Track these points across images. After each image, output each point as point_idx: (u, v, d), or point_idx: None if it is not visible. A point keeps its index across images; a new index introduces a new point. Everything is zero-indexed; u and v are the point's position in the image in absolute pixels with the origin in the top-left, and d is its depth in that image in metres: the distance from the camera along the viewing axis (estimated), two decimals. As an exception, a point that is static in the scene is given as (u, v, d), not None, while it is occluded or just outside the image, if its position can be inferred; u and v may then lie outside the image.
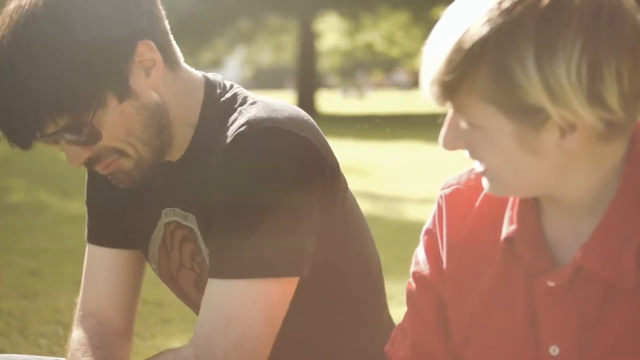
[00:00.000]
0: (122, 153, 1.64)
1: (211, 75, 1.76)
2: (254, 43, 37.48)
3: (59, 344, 3.56)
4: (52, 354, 3.39)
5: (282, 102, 1.69)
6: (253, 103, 1.67)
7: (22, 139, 1.57)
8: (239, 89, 1.74)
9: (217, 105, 1.69)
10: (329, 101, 35.36)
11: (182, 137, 1.68)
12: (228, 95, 1.71)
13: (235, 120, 1.64)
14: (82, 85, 1.55)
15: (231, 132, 1.61)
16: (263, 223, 1.56)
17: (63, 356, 1.86)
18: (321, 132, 1.70)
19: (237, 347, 1.55)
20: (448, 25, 1.23)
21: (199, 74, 1.75)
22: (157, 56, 1.61)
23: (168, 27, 1.68)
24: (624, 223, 1.26)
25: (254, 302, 1.57)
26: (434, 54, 1.23)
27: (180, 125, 1.67)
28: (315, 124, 1.70)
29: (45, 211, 7.31)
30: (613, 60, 1.17)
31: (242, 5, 27.38)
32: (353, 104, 34.90)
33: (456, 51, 1.20)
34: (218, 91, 1.71)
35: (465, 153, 1.30)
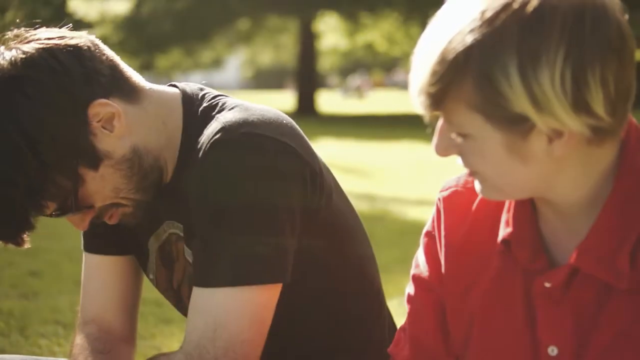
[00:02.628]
0: (118, 205, 1.66)
1: (189, 88, 1.74)
2: (254, 43, 37.45)
3: (59, 344, 3.56)
4: (52, 354, 3.39)
5: (262, 106, 1.68)
6: (231, 108, 1.65)
7: (13, 240, 1.61)
8: (219, 97, 1.72)
9: (196, 118, 1.68)
10: (329, 101, 35.35)
11: (172, 159, 1.68)
12: (205, 104, 1.69)
13: (211, 126, 1.62)
14: (54, 179, 1.56)
15: (206, 138, 1.60)
16: (245, 230, 1.56)
17: (63, 356, 1.86)
18: (303, 134, 1.69)
19: (226, 353, 1.56)
20: (432, 36, 1.23)
21: (173, 90, 1.73)
22: (113, 107, 1.59)
23: (114, 60, 1.64)
24: (618, 224, 1.27)
25: (240, 309, 1.57)
26: (420, 65, 1.23)
27: (167, 151, 1.67)
28: (296, 126, 1.69)
29: (45, 211, 7.31)
30: (597, 66, 1.16)
31: (242, 5, 27.35)
32: (353, 104, 34.90)
33: (440, 62, 1.19)
34: (196, 103, 1.70)
35: (457, 160, 1.30)
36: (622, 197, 1.27)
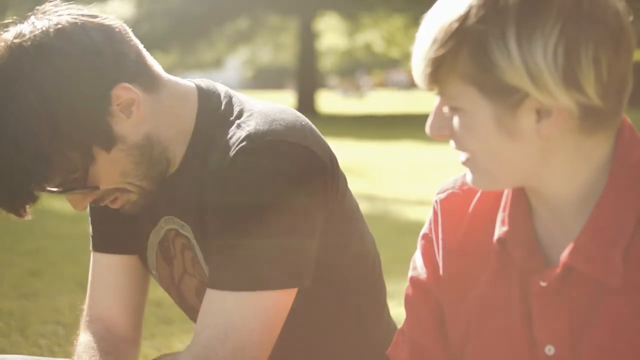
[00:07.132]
0: (123, 191, 1.66)
1: (204, 84, 1.74)
2: (254, 43, 37.44)
3: (59, 344, 3.56)
4: (52, 354, 3.39)
5: (279, 107, 1.69)
6: (251, 115, 1.66)
7: (14, 210, 1.60)
8: (234, 97, 1.72)
9: (212, 116, 1.68)
10: (329, 101, 35.35)
11: (179, 153, 1.68)
12: (224, 106, 1.70)
13: (234, 134, 1.63)
14: (66, 153, 1.56)
15: (232, 146, 1.60)
16: (269, 236, 1.56)
17: (63, 356, 1.86)
18: (319, 133, 1.70)
19: (235, 355, 1.56)
20: (438, 7, 1.27)
21: (189, 83, 1.73)
22: (134, 93, 1.60)
23: (139, 47, 1.64)
24: (611, 222, 1.27)
25: (254, 313, 1.57)
26: (424, 33, 1.26)
27: (175, 143, 1.67)
28: (313, 126, 1.70)
29: (45, 211, 7.31)
30: (591, 46, 1.19)
31: (241, 5, 27.36)
32: (353, 104, 34.90)
33: (441, 30, 1.23)
34: (214, 101, 1.70)
35: (451, 143, 1.31)
36: (615, 193, 1.27)
